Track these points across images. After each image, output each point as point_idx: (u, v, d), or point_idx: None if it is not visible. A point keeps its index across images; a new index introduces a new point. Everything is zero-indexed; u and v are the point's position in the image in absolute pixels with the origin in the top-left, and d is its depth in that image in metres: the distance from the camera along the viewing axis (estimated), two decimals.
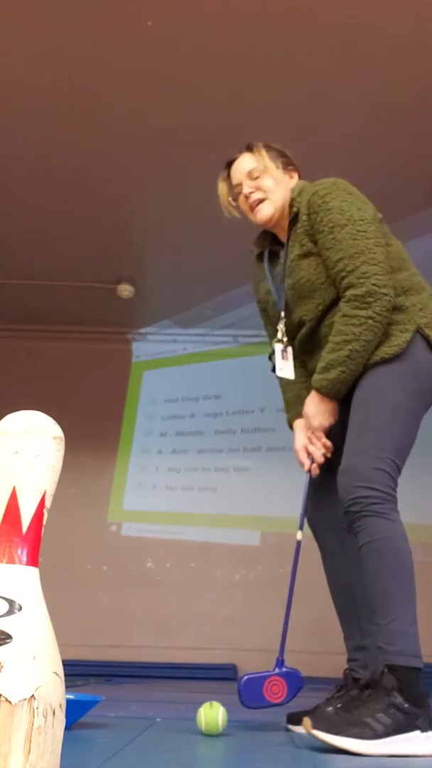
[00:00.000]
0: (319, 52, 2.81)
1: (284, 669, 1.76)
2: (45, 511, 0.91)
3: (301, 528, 1.83)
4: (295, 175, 1.92)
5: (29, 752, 0.80)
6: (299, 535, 1.83)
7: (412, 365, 1.69)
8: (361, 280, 1.64)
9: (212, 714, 1.61)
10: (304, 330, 1.84)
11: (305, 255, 1.78)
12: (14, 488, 0.89)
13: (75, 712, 1.65)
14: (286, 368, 1.90)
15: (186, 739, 1.58)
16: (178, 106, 3.10)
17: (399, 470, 1.64)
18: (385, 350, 1.67)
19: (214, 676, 4.23)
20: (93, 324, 5.09)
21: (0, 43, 2.78)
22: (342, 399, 1.74)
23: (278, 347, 1.91)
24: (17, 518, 0.88)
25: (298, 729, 1.67)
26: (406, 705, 1.44)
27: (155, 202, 3.71)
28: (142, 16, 2.67)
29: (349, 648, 1.80)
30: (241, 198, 1.89)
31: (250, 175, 1.87)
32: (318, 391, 1.73)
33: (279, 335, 1.89)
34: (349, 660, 1.79)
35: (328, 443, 1.78)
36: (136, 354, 5.31)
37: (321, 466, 1.80)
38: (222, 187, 1.94)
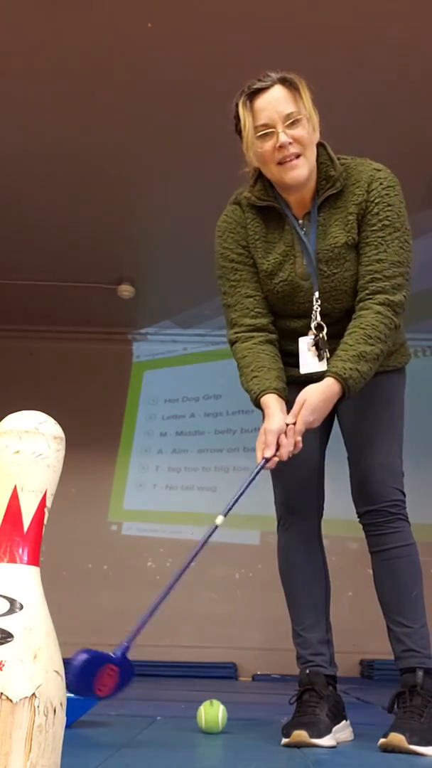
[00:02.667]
0: (318, 52, 2.81)
1: (123, 658, 1.46)
2: (46, 511, 0.91)
3: (224, 514, 1.62)
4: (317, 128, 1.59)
5: (30, 750, 0.80)
6: (219, 519, 1.61)
7: (405, 383, 1.74)
8: (395, 290, 1.57)
9: (212, 712, 1.62)
10: (315, 302, 1.61)
11: (353, 246, 1.59)
12: (15, 488, 0.89)
13: (75, 711, 1.65)
14: (314, 363, 1.61)
15: (186, 737, 1.59)
16: (179, 107, 3.10)
17: None
18: (400, 360, 1.70)
19: (214, 674, 4.24)
20: (94, 324, 5.09)
21: (0, 43, 2.78)
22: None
23: (305, 341, 1.61)
24: (18, 518, 0.89)
25: (320, 741, 1.45)
26: None
27: (156, 202, 3.71)
28: (142, 18, 2.67)
29: (313, 641, 1.64)
30: (269, 144, 1.52)
31: (288, 119, 1.51)
32: (342, 381, 1.49)
33: (313, 324, 1.60)
34: (314, 654, 1.63)
35: (300, 445, 1.53)
36: (137, 354, 5.31)
37: (301, 461, 1.60)
38: (247, 118, 1.55)
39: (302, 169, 1.54)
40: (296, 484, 1.74)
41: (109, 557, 4.85)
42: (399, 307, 1.58)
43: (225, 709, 1.65)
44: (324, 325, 1.60)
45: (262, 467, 1.55)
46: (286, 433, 1.51)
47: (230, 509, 1.58)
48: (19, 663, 0.82)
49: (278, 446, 1.51)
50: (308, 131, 1.54)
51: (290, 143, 1.52)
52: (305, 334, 1.63)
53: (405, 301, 1.59)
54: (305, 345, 1.62)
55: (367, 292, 1.58)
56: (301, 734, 1.44)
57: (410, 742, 1.39)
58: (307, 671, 1.61)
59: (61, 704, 0.85)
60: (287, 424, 1.51)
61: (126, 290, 4.55)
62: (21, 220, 3.93)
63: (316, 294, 1.60)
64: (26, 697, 0.81)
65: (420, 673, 1.52)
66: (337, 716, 1.57)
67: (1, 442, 0.91)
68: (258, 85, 1.56)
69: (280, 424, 1.51)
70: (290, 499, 1.76)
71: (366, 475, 1.63)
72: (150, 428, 5.17)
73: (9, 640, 0.82)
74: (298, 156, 1.53)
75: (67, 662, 1.08)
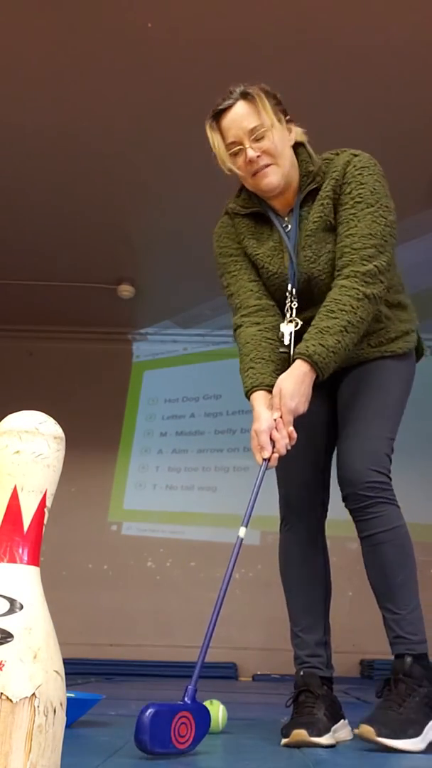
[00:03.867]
0: (319, 55, 2.82)
1: (194, 702, 1.34)
2: (46, 511, 0.91)
3: (244, 524, 1.57)
4: (293, 127, 1.67)
5: (30, 750, 0.80)
6: (242, 532, 1.56)
7: (411, 369, 1.70)
8: (365, 261, 1.54)
9: (212, 712, 1.62)
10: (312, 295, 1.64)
11: (331, 228, 1.62)
12: (15, 488, 0.89)
13: (76, 711, 1.65)
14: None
15: None
16: (179, 107, 3.10)
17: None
18: (400, 345, 1.66)
19: (214, 674, 4.24)
20: (94, 324, 5.09)
21: (0, 43, 2.78)
22: (324, 392, 1.65)
23: (287, 329, 1.62)
24: (18, 518, 0.89)
25: (319, 740, 1.45)
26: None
27: (156, 203, 3.71)
28: (142, 18, 2.67)
29: (311, 643, 1.64)
30: (241, 160, 1.61)
31: (253, 134, 1.58)
32: (308, 359, 1.50)
33: (289, 315, 1.63)
34: (310, 656, 1.63)
35: (294, 434, 1.51)
36: (137, 354, 5.31)
37: (306, 461, 1.65)
38: (216, 139, 1.64)
39: (274, 176, 1.61)
40: (299, 484, 1.73)
41: (109, 557, 4.85)
42: (369, 276, 1.52)
43: (225, 709, 1.65)
44: (298, 321, 1.63)
45: (265, 469, 1.54)
46: (276, 427, 1.50)
47: (249, 518, 1.56)
48: (19, 663, 0.82)
49: (274, 443, 1.51)
50: (275, 140, 1.60)
51: (258, 156, 1.59)
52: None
53: (379, 271, 1.53)
54: (288, 335, 1.64)
55: (338, 269, 1.58)
56: (300, 733, 1.44)
57: (379, 735, 1.37)
58: (302, 673, 1.61)
59: (61, 704, 0.85)
60: (275, 420, 1.50)
61: (126, 290, 4.55)
62: (21, 220, 3.93)
63: (293, 290, 1.64)
64: (26, 697, 0.81)
65: (408, 660, 1.49)
66: (334, 716, 1.56)
67: (1, 442, 0.91)
68: (222, 105, 1.64)
69: (269, 422, 1.51)
70: (291, 498, 1.76)
71: (343, 459, 1.62)
72: (150, 428, 5.18)
73: (9, 640, 0.82)
74: (268, 165, 1.60)
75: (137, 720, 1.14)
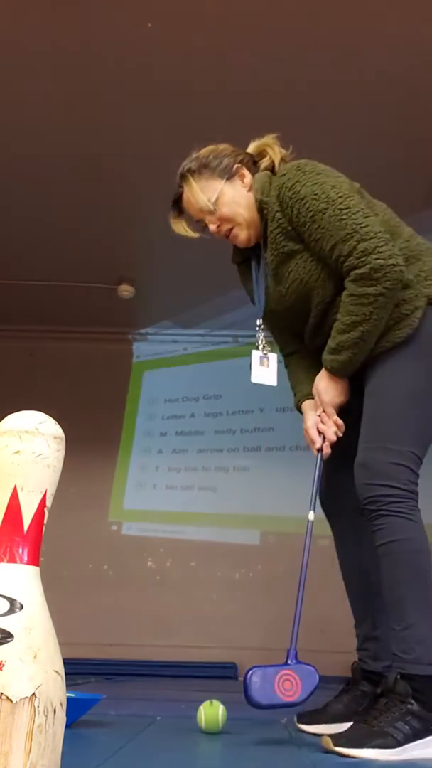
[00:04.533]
0: (319, 53, 2.81)
1: (297, 663, 1.55)
2: (46, 511, 0.92)
3: (312, 508, 1.66)
4: (245, 171, 1.72)
5: (30, 750, 0.80)
6: (311, 515, 1.66)
7: (427, 345, 1.57)
8: (362, 260, 1.50)
9: (212, 712, 1.62)
10: (309, 324, 1.71)
11: (288, 256, 1.63)
12: (15, 488, 0.89)
13: (76, 711, 1.65)
14: (264, 374, 1.77)
15: (186, 737, 1.59)
16: (179, 107, 3.10)
17: (421, 461, 1.55)
18: (396, 334, 1.56)
19: (214, 674, 4.24)
20: (94, 324, 5.09)
21: (0, 43, 2.78)
22: (356, 384, 1.66)
23: (255, 354, 1.77)
24: (18, 518, 0.89)
25: (312, 729, 1.65)
26: (423, 712, 1.42)
27: (156, 202, 3.70)
28: (142, 18, 2.67)
29: (360, 637, 1.72)
30: (210, 232, 1.74)
31: (204, 211, 1.71)
32: (329, 371, 1.63)
33: (257, 341, 1.77)
34: (359, 650, 1.71)
35: (340, 422, 1.65)
36: (137, 354, 5.31)
37: (333, 448, 1.67)
38: (180, 227, 1.79)
39: (241, 234, 1.72)
40: (328, 486, 1.76)
41: (109, 557, 4.85)
42: (376, 271, 1.49)
43: (225, 709, 1.65)
44: (263, 344, 1.78)
45: (321, 459, 1.68)
46: (322, 421, 1.66)
47: (314, 503, 1.69)
48: (19, 663, 0.82)
49: (324, 437, 1.66)
50: (226, 203, 1.69)
51: (218, 225, 1.72)
52: (308, 336, 1.75)
53: (385, 258, 1.48)
54: (257, 359, 1.78)
55: (345, 275, 1.56)
56: (326, 740, 1.44)
57: (336, 744, 1.38)
58: (353, 665, 1.72)
59: (61, 704, 0.85)
60: (319, 415, 1.67)
61: (126, 290, 4.55)
62: (21, 221, 3.93)
63: (258, 321, 1.77)
64: (26, 697, 0.81)
65: (394, 677, 1.46)
66: (348, 715, 1.58)
67: (1, 442, 0.91)
68: (175, 196, 1.79)
69: (314, 419, 1.68)
70: (323, 501, 1.79)
71: (354, 478, 1.60)
72: (150, 428, 5.18)
73: (9, 640, 0.82)
74: (231, 229, 1.71)
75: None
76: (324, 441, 1.66)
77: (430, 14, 2.63)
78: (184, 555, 4.86)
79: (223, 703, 1.67)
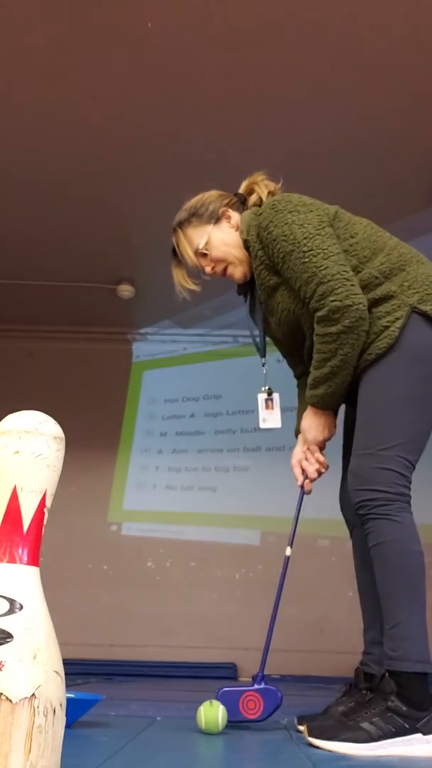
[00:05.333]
0: (319, 53, 2.81)
1: (263, 685, 1.72)
2: (45, 511, 0.91)
3: (290, 544, 1.79)
4: (231, 213, 1.83)
5: (30, 751, 0.80)
6: (288, 551, 1.78)
7: (411, 351, 1.60)
8: (321, 302, 1.59)
9: (212, 713, 1.62)
10: (306, 347, 1.80)
11: (274, 289, 1.74)
12: (15, 488, 0.89)
13: (75, 711, 1.65)
14: (271, 418, 1.89)
15: (186, 737, 1.59)
16: (179, 107, 3.10)
17: (411, 464, 1.58)
18: (377, 346, 1.61)
19: (214, 674, 4.24)
20: (93, 324, 5.09)
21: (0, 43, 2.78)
22: (353, 398, 1.71)
23: (261, 397, 1.90)
24: (18, 518, 0.89)
25: (301, 726, 1.69)
26: (405, 709, 1.44)
27: (156, 202, 3.70)
28: (142, 18, 2.67)
29: (366, 641, 1.75)
30: (207, 272, 1.86)
31: (199, 255, 1.83)
32: (312, 405, 1.73)
33: (263, 383, 1.90)
34: (364, 653, 1.75)
35: (322, 459, 1.77)
36: (137, 354, 5.31)
37: (347, 457, 1.74)
38: (177, 273, 1.89)
39: (236, 272, 1.83)
40: (344, 494, 1.81)
41: (108, 557, 4.85)
42: (334, 313, 1.57)
43: (225, 709, 1.65)
44: (270, 388, 1.92)
45: (301, 495, 1.79)
46: (306, 458, 1.78)
47: (293, 539, 1.80)
48: (18, 663, 0.82)
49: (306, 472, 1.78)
50: (215, 247, 1.81)
51: (213, 267, 1.83)
52: (306, 356, 1.82)
53: (341, 299, 1.56)
54: (262, 402, 1.92)
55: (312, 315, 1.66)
56: (304, 729, 1.51)
57: (309, 734, 1.46)
58: (357, 669, 1.75)
59: (60, 704, 0.85)
60: (304, 452, 1.78)
61: (126, 290, 4.55)
62: (21, 220, 3.93)
63: (262, 361, 1.89)
64: (26, 698, 0.81)
65: (382, 674, 1.50)
66: (348, 718, 1.58)
67: (1, 442, 0.91)
68: (173, 246, 1.88)
69: (298, 456, 1.80)
70: (342, 508, 1.85)
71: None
72: (150, 428, 5.18)
73: (9, 640, 0.82)
74: (225, 268, 1.83)
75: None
76: (306, 478, 1.77)
77: (430, 13, 2.63)
78: (184, 555, 4.86)
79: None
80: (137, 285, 4.55)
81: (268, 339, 1.92)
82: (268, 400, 1.89)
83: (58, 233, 4.04)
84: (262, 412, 1.89)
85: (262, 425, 1.89)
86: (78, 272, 4.44)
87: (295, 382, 1.97)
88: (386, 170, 3.43)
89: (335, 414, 1.77)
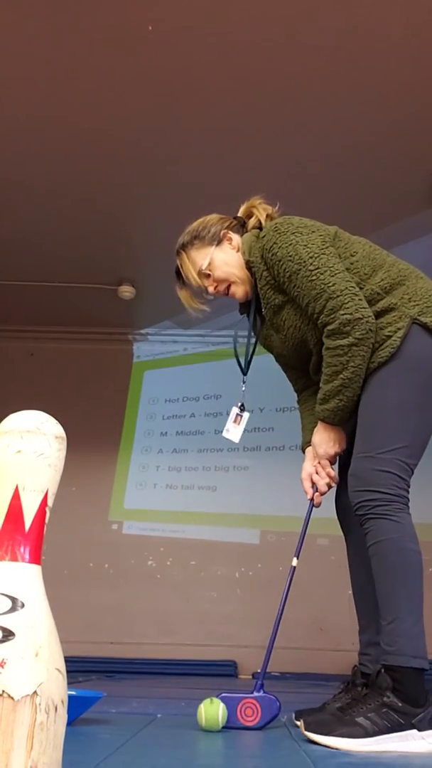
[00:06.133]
0: (319, 55, 2.82)
1: (261, 693, 1.72)
2: (47, 510, 0.92)
3: (296, 555, 1.82)
4: (232, 235, 1.88)
5: (31, 748, 0.80)
6: (294, 561, 1.81)
7: (412, 359, 1.65)
8: (332, 317, 1.63)
9: (212, 710, 1.63)
10: (312, 363, 1.83)
11: (280, 307, 1.78)
12: (17, 487, 0.90)
13: (77, 708, 1.66)
14: (233, 431, 1.96)
15: (186, 735, 1.59)
16: (179, 108, 3.11)
17: (410, 468, 1.62)
18: (379, 355, 1.66)
19: (215, 672, 4.25)
20: (94, 325, 5.10)
21: (0, 44, 2.79)
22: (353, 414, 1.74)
23: (234, 410, 1.97)
24: (20, 517, 0.89)
25: (299, 723, 1.70)
26: (401, 704, 1.45)
27: (156, 203, 3.71)
28: (142, 20, 2.68)
29: (363, 642, 1.78)
30: (210, 292, 1.91)
31: (202, 276, 1.88)
32: (322, 420, 1.75)
33: (241, 397, 1.96)
34: (361, 654, 1.78)
35: (333, 473, 1.81)
36: (137, 354, 5.32)
37: (344, 461, 1.79)
38: (183, 295, 1.94)
39: (238, 291, 1.88)
40: (341, 498, 1.84)
41: (110, 556, 4.86)
42: (345, 326, 1.62)
43: (225, 707, 1.66)
44: (243, 405, 1.98)
45: (310, 508, 1.83)
46: (317, 472, 1.82)
47: (300, 550, 1.83)
48: (20, 661, 0.82)
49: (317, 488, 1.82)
50: (217, 267, 1.86)
51: (216, 287, 1.88)
52: (312, 371, 1.87)
53: (351, 313, 1.61)
54: (233, 415, 1.98)
55: (321, 330, 1.70)
56: (300, 724, 1.53)
57: (306, 729, 1.48)
58: (354, 667, 1.78)
59: (62, 702, 0.85)
60: (314, 466, 1.82)
61: (126, 290, 4.56)
62: (22, 221, 3.93)
63: (243, 379, 1.95)
64: (28, 695, 0.81)
65: (378, 670, 1.52)
66: (344, 713, 1.59)
67: (2, 441, 0.92)
68: (177, 268, 1.93)
69: (308, 470, 1.84)
70: (338, 511, 1.88)
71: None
72: (150, 428, 5.18)
73: (11, 638, 0.83)
74: (228, 287, 1.88)
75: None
76: (316, 491, 1.82)
77: (430, 15, 2.63)
78: (184, 554, 4.87)
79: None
80: (138, 286, 4.55)
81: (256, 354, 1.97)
82: (239, 416, 1.97)
83: (59, 234, 4.04)
84: (229, 423, 1.97)
85: (225, 435, 1.98)
86: (79, 273, 4.45)
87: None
88: (386, 171, 3.43)
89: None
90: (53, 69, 2.91)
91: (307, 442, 1.89)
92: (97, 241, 4.11)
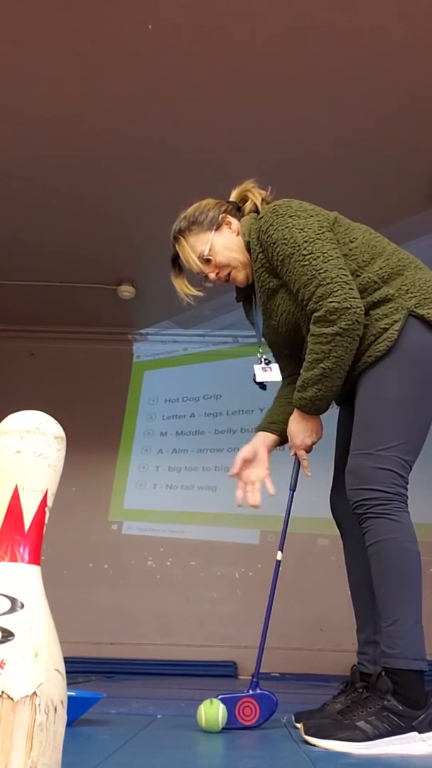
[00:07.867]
0: (319, 54, 2.82)
1: (258, 691, 1.72)
2: (47, 510, 0.92)
3: (280, 549, 1.81)
4: (230, 219, 1.85)
5: (31, 749, 0.80)
6: (279, 555, 1.80)
7: (409, 353, 1.62)
8: (320, 303, 1.59)
9: (212, 711, 1.63)
10: (304, 350, 1.77)
11: (274, 291, 1.75)
12: (16, 487, 0.90)
13: (76, 709, 1.66)
14: (269, 376, 1.92)
15: (186, 735, 1.59)
16: (179, 107, 3.11)
17: (408, 465, 1.60)
18: (376, 348, 1.62)
19: (214, 673, 4.24)
20: (94, 324, 5.10)
21: (0, 44, 2.79)
22: (350, 400, 1.72)
23: (257, 366, 1.93)
24: (19, 517, 0.89)
25: (299, 725, 1.69)
26: (401, 707, 1.44)
27: (156, 203, 3.71)
28: (142, 20, 2.68)
29: (361, 641, 1.76)
30: (211, 279, 1.87)
31: (201, 259, 1.83)
32: (299, 409, 1.72)
33: (258, 355, 1.92)
34: (359, 653, 1.76)
35: (305, 456, 1.81)
36: (137, 354, 5.32)
37: (340, 459, 1.77)
38: (177, 282, 1.89)
39: (239, 275, 1.84)
40: (337, 495, 1.82)
41: (109, 556, 4.86)
42: (332, 314, 1.58)
43: (225, 708, 1.65)
44: (269, 360, 1.94)
45: (290, 500, 1.88)
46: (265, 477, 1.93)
47: (283, 544, 1.86)
48: (20, 661, 0.82)
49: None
50: (217, 251, 1.81)
51: (217, 273, 1.84)
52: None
53: (339, 301, 1.57)
54: (259, 369, 1.93)
55: (309, 317, 1.67)
56: (300, 727, 1.52)
57: (306, 733, 1.47)
58: (353, 667, 1.77)
59: (62, 703, 0.85)
60: (291, 455, 1.85)
61: (126, 290, 4.56)
62: (22, 221, 3.93)
63: (260, 349, 1.92)
64: (27, 696, 0.81)
65: (378, 673, 1.50)
66: (344, 716, 1.59)
67: (2, 441, 0.92)
68: (173, 255, 1.89)
69: (244, 454, 2.01)
70: (333, 509, 1.87)
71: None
72: (150, 428, 5.18)
73: (10, 638, 0.83)
74: (229, 273, 1.84)
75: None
76: (239, 479, 1.90)
77: (430, 15, 2.63)
78: (184, 554, 4.87)
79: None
80: (138, 286, 4.55)
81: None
82: (266, 368, 1.92)
83: (59, 234, 4.04)
84: (260, 373, 1.92)
85: (259, 379, 1.92)
86: (79, 273, 4.45)
87: None
88: (386, 171, 3.43)
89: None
90: (53, 69, 2.91)
91: (261, 427, 1.90)
92: (97, 241, 4.11)
